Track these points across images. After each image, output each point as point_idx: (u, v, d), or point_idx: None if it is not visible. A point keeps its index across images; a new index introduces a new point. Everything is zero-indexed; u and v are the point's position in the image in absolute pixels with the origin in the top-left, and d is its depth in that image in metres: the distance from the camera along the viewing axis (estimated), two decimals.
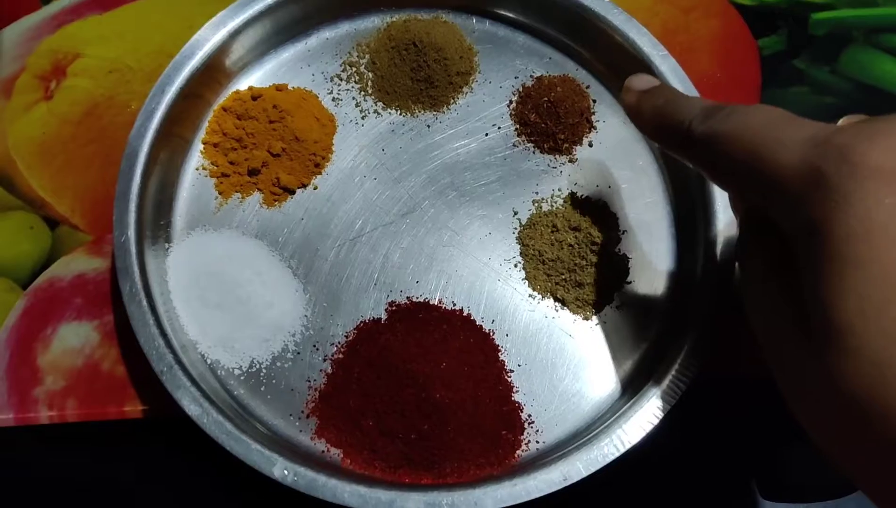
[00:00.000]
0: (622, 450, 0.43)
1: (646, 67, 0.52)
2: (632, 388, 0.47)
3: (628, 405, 0.44)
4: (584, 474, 0.42)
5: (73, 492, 0.52)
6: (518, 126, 0.54)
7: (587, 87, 0.55)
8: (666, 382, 0.44)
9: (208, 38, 0.51)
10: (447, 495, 0.41)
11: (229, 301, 0.47)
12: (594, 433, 0.44)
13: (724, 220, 0.48)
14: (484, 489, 0.41)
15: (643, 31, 0.52)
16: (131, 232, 0.46)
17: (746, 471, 0.60)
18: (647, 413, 0.43)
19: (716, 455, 0.59)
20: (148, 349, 0.43)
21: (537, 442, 0.46)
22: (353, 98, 0.54)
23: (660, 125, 0.41)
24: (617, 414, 0.44)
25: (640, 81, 0.44)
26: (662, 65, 0.52)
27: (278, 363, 0.47)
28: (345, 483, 0.41)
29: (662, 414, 0.43)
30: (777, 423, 0.55)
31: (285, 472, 0.41)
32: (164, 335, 0.44)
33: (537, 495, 0.42)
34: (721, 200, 0.48)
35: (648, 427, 0.43)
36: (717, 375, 0.49)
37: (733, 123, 0.34)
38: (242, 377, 0.47)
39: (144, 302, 0.44)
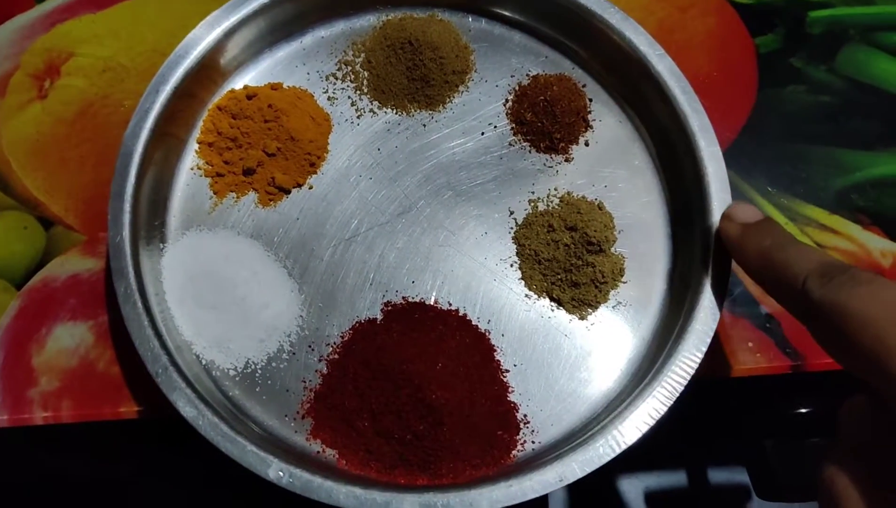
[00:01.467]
0: (618, 451, 0.43)
1: (643, 66, 0.52)
2: (628, 388, 0.47)
3: (624, 405, 0.44)
4: (580, 474, 0.42)
5: (69, 492, 0.52)
6: (514, 125, 0.54)
7: (583, 86, 0.55)
8: (662, 382, 0.44)
9: (203, 37, 0.51)
10: (442, 496, 0.41)
11: (225, 302, 0.47)
12: (590, 433, 0.44)
13: (720, 219, 0.48)
14: (479, 490, 0.41)
15: (640, 29, 0.52)
16: (126, 232, 0.46)
17: (741, 470, 0.60)
18: (644, 413, 0.43)
19: (711, 455, 0.60)
20: (143, 351, 0.43)
21: (533, 443, 0.46)
22: (349, 97, 0.54)
23: (768, 272, 0.39)
24: (613, 414, 0.44)
25: (744, 212, 0.43)
26: (659, 64, 0.51)
27: (273, 364, 0.47)
28: (340, 484, 0.41)
29: (659, 415, 0.43)
30: (771, 422, 0.55)
31: (280, 474, 0.41)
32: (159, 336, 0.44)
33: (533, 496, 0.41)
34: (716, 199, 0.48)
35: (644, 428, 0.43)
36: (712, 375, 0.49)
37: (859, 301, 0.32)
38: (237, 378, 0.47)
39: (139, 303, 0.44)
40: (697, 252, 0.48)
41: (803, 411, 0.54)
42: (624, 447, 0.43)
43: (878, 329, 0.31)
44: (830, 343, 0.35)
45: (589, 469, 0.42)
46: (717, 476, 0.62)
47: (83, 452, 0.53)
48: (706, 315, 0.46)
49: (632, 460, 0.45)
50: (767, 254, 0.39)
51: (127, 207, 0.47)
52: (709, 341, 0.45)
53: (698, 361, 0.45)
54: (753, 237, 0.41)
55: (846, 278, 0.34)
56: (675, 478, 0.62)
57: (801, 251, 0.38)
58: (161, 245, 0.49)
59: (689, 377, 0.44)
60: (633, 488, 0.62)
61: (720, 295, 0.46)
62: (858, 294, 0.33)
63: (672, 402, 0.44)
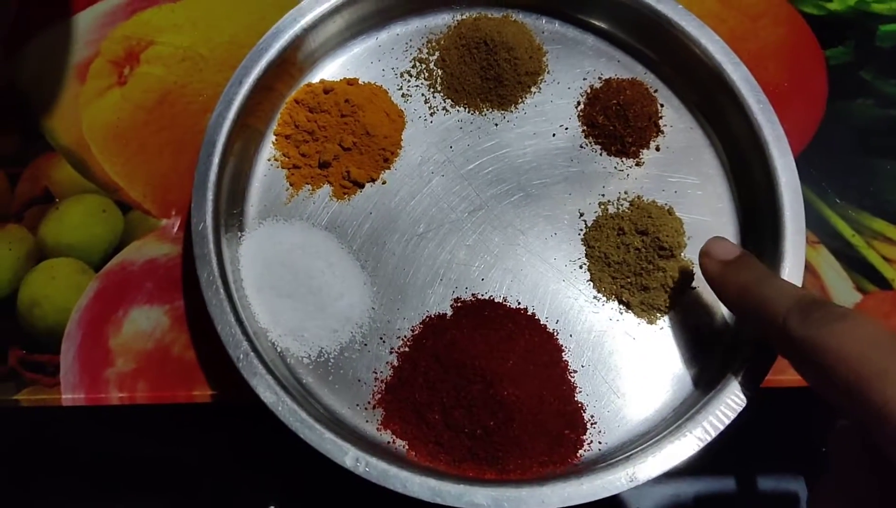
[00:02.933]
0: (688, 455, 0.43)
1: (716, 74, 0.52)
2: (695, 393, 0.47)
3: (694, 409, 0.45)
4: (651, 475, 0.42)
5: (137, 472, 0.53)
6: (585, 127, 0.54)
7: (655, 91, 0.55)
8: (734, 389, 0.44)
9: (286, 31, 0.52)
10: (514, 490, 0.42)
11: (301, 291, 0.48)
12: (658, 436, 0.45)
13: (792, 229, 0.48)
14: (551, 486, 0.42)
15: (716, 38, 0.53)
16: (209, 220, 0.47)
17: (791, 478, 0.60)
18: (713, 418, 0.44)
19: (769, 459, 0.60)
20: (225, 336, 0.44)
21: (599, 443, 0.46)
22: (423, 94, 0.55)
23: (749, 309, 0.40)
24: (682, 419, 0.45)
25: (722, 250, 0.44)
26: (734, 73, 0.52)
27: (346, 354, 0.48)
28: (415, 474, 0.42)
29: (728, 420, 0.44)
30: (827, 427, 0.55)
31: (357, 462, 0.42)
32: (239, 322, 0.45)
33: (603, 495, 0.42)
34: (789, 209, 0.49)
35: (713, 433, 0.44)
36: (777, 383, 0.50)
37: (835, 337, 0.34)
38: (311, 366, 0.48)
39: (221, 289, 0.45)
40: (767, 261, 0.48)
41: None
42: (692, 452, 0.43)
43: (853, 363, 0.33)
44: (812, 377, 0.37)
45: (659, 472, 0.43)
46: (768, 483, 0.62)
47: (152, 435, 0.54)
48: None
49: (691, 462, 0.45)
50: (747, 291, 0.41)
51: (210, 195, 0.48)
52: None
53: (769, 369, 0.45)
54: (733, 274, 0.42)
55: (822, 315, 0.35)
56: (723, 483, 0.62)
57: (778, 288, 0.39)
58: (239, 234, 0.50)
59: (758, 386, 0.45)
60: (682, 492, 0.62)
61: None
62: (834, 331, 0.34)
63: (742, 409, 0.44)
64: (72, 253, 0.52)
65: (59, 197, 0.53)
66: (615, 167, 0.53)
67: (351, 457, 0.42)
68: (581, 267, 0.51)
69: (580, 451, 0.46)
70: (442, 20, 0.57)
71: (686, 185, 0.53)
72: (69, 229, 0.52)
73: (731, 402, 0.44)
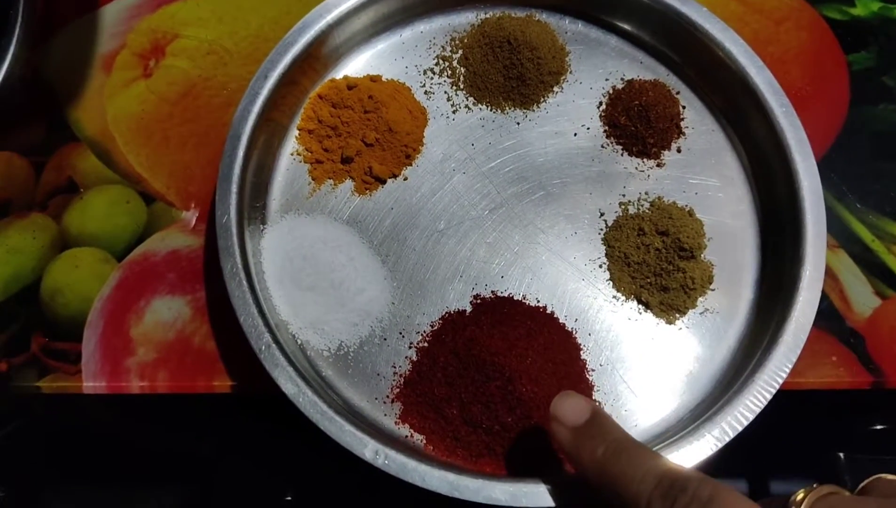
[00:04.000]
0: (705, 455, 0.43)
1: (740, 77, 0.52)
2: (713, 394, 0.47)
3: (712, 411, 0.45)
4: None
5: (155, 461, 0.53)
6: (607, 128, 0.54)
7: (677, 93, 0.55)
8: (752, 391, 0.44)
9: (311, 26, 0.52)
10: (532, 487, 0.42)
11: (322, 284, 0.48)
12: (675, 437, 0.45)
13: (813, 233, 0.48)
14: (570, 482, 0.42)
15: (739, 41, 0.53)
16: (233, 212, 0.47)
17: (804, 483, 0.60)
18: (731, 421, 0.44)
19: (781, 463, 0.60)
20: (247, 328, 0.45)
21: None
22: (445, 92, 0.55)
23: (607, 487, 0.36)
24: (699, 420, 0.45)
25: (571, 412, 0.39)
26: (758, 77, 0.52)
27: (365, 348, 0.48)
28: (434, 468, 0.42)
29: (746, 423, 0.44)
30: (846, 436, 0.55)
31: (376, 454, 0.42)
32: (262, 313, 0.45)
33: None
34: (810, 213, 0.49)
35: (731, 434, 0.44)
36: (794, 386, 0.50)
37: None
38: (331, 359, 0.48)
39: (244, 281, 0.46)
40: (788, 264, 0.48)
41: (879, 427, 0.55)
42: (709, 453, 0.44)
43: None
44: None
45: None
46: (779, 487, 0.62)
47: (167, 425, 0.55)
48: (796, 329, 0.46)
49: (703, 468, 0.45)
50: (602, 466, 0.36)
51: (234, 187, 0.48)
52: (798, 353, 0.45)
53: (787, 372, 0.45)
54: (587, 445, 0.37)
55: (688, 500, 0.32)
56: (735, 486, 0.62)
57: (638, 463, 0.35)
58: (261, 226, 0.50)
59: (776, 388, 0.45)
60: None
61: (811, 309, 0.47)
62: None
63: (760, 411, 0.44)
64: (95, 243, 0.52)
65: (84, 187, 0.54)
66: (636, 168, 0.53)
67: (371, 449, 0.42)
68: (601, 266, 0.51)
69: None
70: (466, 19, 0.57)
71: (707, 187, 0.53)
72: (93, 219, 0.53)
73: (749, 404, 0.44)
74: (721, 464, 0.62)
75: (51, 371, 0.49)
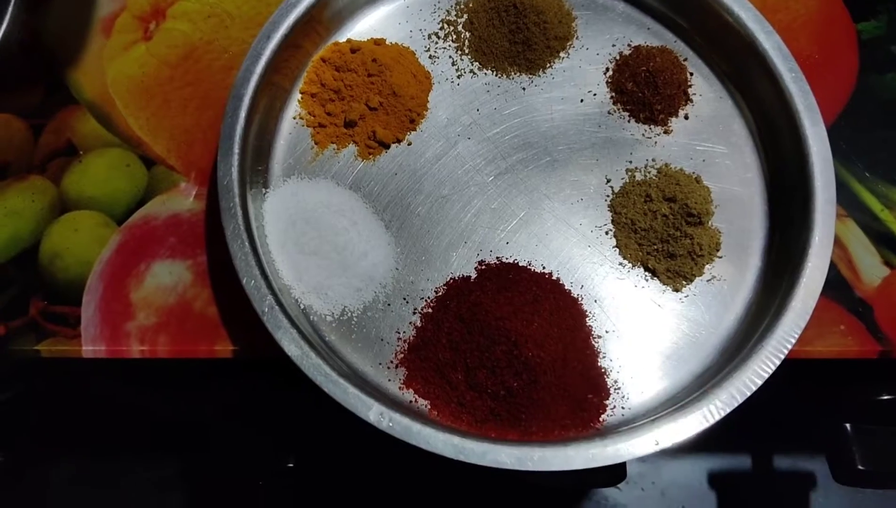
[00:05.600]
0: (712, 421, 0.43)
1: (748, 42, 0.52)
2: (719, 362, 0.47)
3: (719, 377, 0.44)
4: (676, 440, 0.42)
5: (157, 427, 0.53)
6: (614, 94, 0.54)
7: (685, 59, 0.54)
8: (760, 358, 0.44)
9: None
10: (538, 450, 0.41)
11: (325, 249, 0.47)
12: (681, 403, 0.44)
13: (822, 200, 0.48)
14: (575, 447, 0.42)
15: (748, 5, 0.52)
16: (235, 173, 0.47)
17: (808, 457, 0.60)
18: (738, 388, 0.43)
19: (786, 436, 0.59)
20: (250, 290, 0.44)
21: (622, 408, 0.46)
22: (450, 56, 0.54)
23: None
24: (706, 386, 0.44)
25: None
26: (766, 42, 0.51)
27: (369, 313, 0.48)
28: (439, 431, 0.42)
29: (752, 390, 0.43)
30: (853, 406, 0.55)
31: (381, 417, 0.42)
32: (265, 276, 0.45)
33: (628, 458, 0.42)
34: (820, 179, 0.48)
35: (737, 402, 0.43)
36: (803, 355, 0.49)
37: None
38: (334, 324, 0.47)
39: (247, 243, 0.45)
40: (796, 232, 0.48)
41: (886, 398, 0.54)
42: (717, 418, 0.43)
43: None
44: None
45: (684, 437, 0.42)
46: (784, 461, 0.61)
47: (167, 391, 0.54)
48: (805, 296, 0.46)
49: (698, 439, 0.45)
50: None
51: (236, 149, 0.47)
52: (807, 320, 0.45)
53: (794, 340, 0.45)
54: None
55: None
56: (739, 461, 0.62)
57: None
58: (264, 190, 0.50)
59: (784, 356, 0.44)
60: (696, 468, 0.62)
61: (820, 276, 0.46)
62: None
63: (766, 378, 0.44)
64: (95, 206, 0.52)
65: (83, 150, 0.53)
66: (643, 134, 0.53)
67: (375, 412, 0.42)
68: (607, 233, 0.50)
69: (603, 415, 0.46)
70: None
71: (714, 154, 0.52)
72: (92, 182, 0.52)
73: (757, 370, 0.44)
74: (725, 437, 0.62)
75: (49, 335, 0.49)
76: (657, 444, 0.42)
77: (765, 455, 0.61)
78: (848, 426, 0.53)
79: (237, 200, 0.46)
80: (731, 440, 0.62)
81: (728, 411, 0.43)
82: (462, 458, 0.41)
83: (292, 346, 0.43)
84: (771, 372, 0.44)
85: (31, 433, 0.53)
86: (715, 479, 0.61)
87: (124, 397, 0.54)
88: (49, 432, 0.53)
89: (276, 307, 0.44)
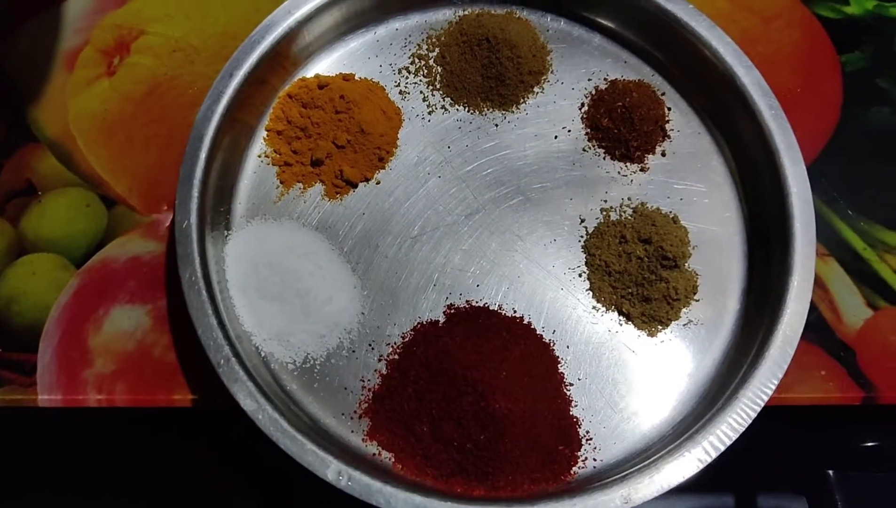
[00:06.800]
0: (688, 476, 0.41)
1: (727, 77, 0.50)
2: (696, 410, 0.45)
3: (694, 429, 0.43)
4: (648, 497, 0.41)
5: (117, 476, 0.51)
6: (589, 130, 0.52)
7: (662, 94, 0.53)
8: (737, 407, 0.42)
9: (279, 23, 0.50)
10: None
11: (288, 294, 0.46)
12: (656, 455, 0.43)
13: (802, 241, 0.46)
14: (542, 505, 0.40)
15: (727, 39, 0.51)
16: (193, 218, 0.45)
17: (793, 498, 0.58)
18: (715, 439, 0.42)
19: (769, 479, 0.58)
20: (205, 340, 0.42)
21: (594, 460, 0.45)
22: (421, 92, 0.53)
23: None
24: (682, 438, 0.43)
25: None
26: (745, 77, 0.50)
27: (332, 360, 0.46)
28: (399, 490, 0.40)
29: (730, 440, 0.42)
30: (836, 452, 0.53)
31: (339, 476, 0.40)
32: (222, 326, 0.43)
33: None
34: (799, 220, 0.47)
35: (714, 454, 0.42)
36: (781, 402, 0.48)
37: None
38: (296, 372, 0.46)
39: (204, 291, 0.44)
40: (776, 274, 0.46)
41: (869, 444, 0.53)
42: (692, 473, 0.42)
43: None
44: None
45: (655, 493, 0.41)
46: (768, 503, 0.60)
47: (131, 438, 0.53)
48: (784, 342, 0.44)
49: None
50: None
51: (195, 191, 0.46)
52: (785, 368, 0.43)
53: (773, 389, 0.43)
54: None
55: None
56: (722, 502, 0.61)
57: None
58: (225, 232, 0.48)
59: (762, 405, 0.43)
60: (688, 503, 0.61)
61: (799, 321, 0.45)
62: None
63: (745, 428, 0.42)
64: (53, 248, 0.50)
65: (42, 190, 0.52)
66: (619, 172, 0.51)
67: (333, 470, 0.40)
68: (580, 275, 0.49)
69: (574, 468, 0.44)
70: (443, 16, 0.55)
71: (692, 192, 0.51)
72: (51, 224, 0.51)
73: (733, 421, 0.42)
74: (709, 480, 0.60)
75: (4, 384, 0.47)
76: (626, 502, 0.40)
77: (748, 498, 0.59)
78: (830, 472, 0.51)
79: (195, 245, 0.45)
80: (714, 483, 0.60)
81: (702, 466, 0.42)
82: None
83: (248, 400, 0.41)
84: (748, 424, 0.43)
85: None
86: None
87: (84, 444, 0.52)
88: (8, 482, 0.52)
89: (233, 359, 0.42)
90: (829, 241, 0.52)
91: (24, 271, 0.50)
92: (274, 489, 0.51)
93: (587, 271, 0.49)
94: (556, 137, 0.52)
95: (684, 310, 0.48)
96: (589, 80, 0.54)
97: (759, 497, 0.58)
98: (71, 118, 0.53)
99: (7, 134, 0.53)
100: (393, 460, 0.44)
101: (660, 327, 0.47)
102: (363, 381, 0.46)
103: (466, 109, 0.53)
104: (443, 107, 0.53)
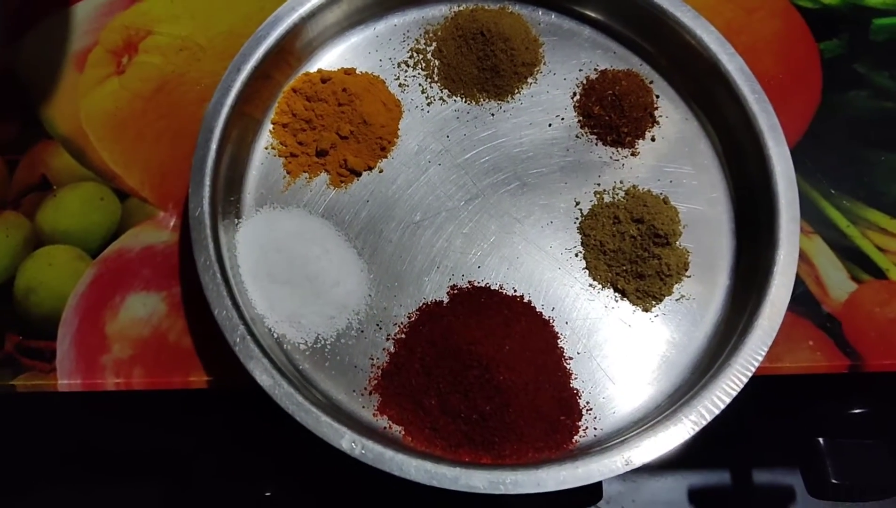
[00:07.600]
0: (683, 439, 0.43)
1: (712, 65, 0.53)
2: (689, 380, 0.48)
3: (688, 396, 0.45)
4: (647, 460, 0.42)
5: (133, 459, 0.53)
6: (581, 118, 0.54)
7: (650, 82, 0.55)
8: (728, 375, 0.44)
9: (283, 20, 0.52)
10: (510, 474, 0.42)
11: (298, 278, 0.48)
12: (652, 422, 0.45)
13: (787, 218, 0.48)
14: (547, 469, 0.42)
15: (711, 29, 0.53)
16: (206, 205, 0.47)
17: (787, 471, 0.60)
18: (708, 405, 0.44)
19: (758, 452, 0.60)
20: (222, 320, 0.44)
21: (595, 429, 0.47)
22: (420, 84, 0.55)
23: None
24: (677, 405, 0.45)
25: None
26: (729, 63, 0.52)
27: (342, 340, 0.48)
28: (411, 458, 0.42)
29: (722, 407, 0.44)
30: (826, 420, 0.55)
31: (353, 445, 0.42)
32: (236, 306, 0.45)
33: (599, 478, 0.42)
34: (784, 198, 0.49)
35: (708, 418, 0.44)
36: (771, 371, 0.50)
37: None
38: (308, 352, 0.48)
39: (218, 274, 0.45)
40: (762, 250, 0.49)
41: (858, 411, 0.55)
42: (687, 436, 0.44)
43: None
44: None
45: (654, 456, 0.43)
46: (762, 476, 0.62)
47: (147, 423, 0.54)
48: (772, 313, 0.46)
49: (676, 456, 0.46)
50: None
51: (207, 181, 0.48)
52: (773, 338, 0.46)
53: (762, 357, 0.45)
54: None
55: None
56: (718, 477, 0.63)
57: None
58: (236, 221, 0.50)
59: (752, 373, 0.45)
60: (677, 486, 0.62)
61: (785, 292, 0.47)
62: None
63: (735, 395, 0.44)
64: (69, 240, 0.52)
65: (57, 185, 0.54)
66: (611, 157, 0.53)
67: (347, 440, 0.42)
68: (577, 255, 0.51)
69: (576, 437, 0.46)
70: (439, 11, 0.57)
71: (681, 175, 0.53)
72: (66, 216, 0.53)
73: (726, 387, 0.44)
74: (704, 454, 0.62)
75: (25, 370, 0.49)
76: (628, 463, 0.42)
77: (743, 470, 0.61)
78: (821, 440, 0.53)
79: (209, 231, 0.47)
80: (710, 457, 0.62)
81: (697, 430, 0.44)
82: (435, 483, 0.41)
83: (264, 376, 0.43)
84: (739, 390, 0.45)
85: (7, 468, 0.53)
86: (694, 496, 0.61)
87: (101, 429, 0.54)
88: (26, 466, 0.53)
89: (248, 338, 0.44)
90: (813, 219, 0.54)
91: (41, 262, 0.51)
92: (284, 469, 0.53)
93: (583, 251, 0.51)
94: (550, 125, 0.54)
95: (676, 286, 0.50)
96: (580, 70, 0.56)
97: (755, 469, 0.60)
98: (83, 116, 0.55)
99: (21, 132, 0.55)
100: (403, 433, 0.46)
101: (653, 302, 0.49)
102: (372, 359, 0.48)
103: (463, 99, 0.55)
104: (441, 98, 0.55)
